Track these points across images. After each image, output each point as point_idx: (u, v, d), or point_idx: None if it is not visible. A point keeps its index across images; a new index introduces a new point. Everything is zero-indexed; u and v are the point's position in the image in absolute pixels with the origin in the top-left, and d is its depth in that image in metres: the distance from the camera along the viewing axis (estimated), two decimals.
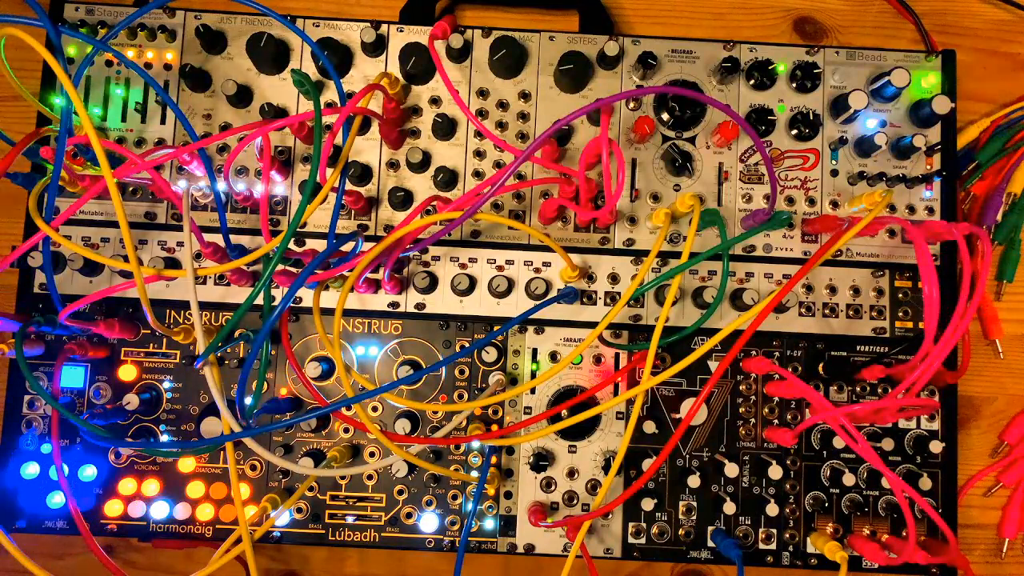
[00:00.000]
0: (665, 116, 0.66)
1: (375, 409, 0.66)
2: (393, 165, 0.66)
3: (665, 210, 0.63)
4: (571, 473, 0.65)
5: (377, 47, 0.66)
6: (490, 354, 0.65)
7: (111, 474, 0.64)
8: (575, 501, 0.65)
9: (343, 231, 0.65)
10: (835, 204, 0.66)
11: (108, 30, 0.59)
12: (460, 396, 0.66)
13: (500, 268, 0.65)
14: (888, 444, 0.65)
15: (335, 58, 0.64)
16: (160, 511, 0.64)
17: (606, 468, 0.65)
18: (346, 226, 0.66)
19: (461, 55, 0.66)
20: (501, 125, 0.66)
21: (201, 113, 0.65)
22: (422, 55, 0.63)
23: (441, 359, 0.63)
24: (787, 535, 0.65)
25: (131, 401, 0.63)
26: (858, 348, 0.67)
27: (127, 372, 0.65)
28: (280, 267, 0.62)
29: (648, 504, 0.65)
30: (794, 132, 0.66)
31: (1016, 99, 0.74)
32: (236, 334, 0.64)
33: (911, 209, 0.66)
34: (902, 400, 0.58)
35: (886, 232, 0.66)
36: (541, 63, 0.67)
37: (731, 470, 0.65)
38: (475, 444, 0.65)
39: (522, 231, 0.65)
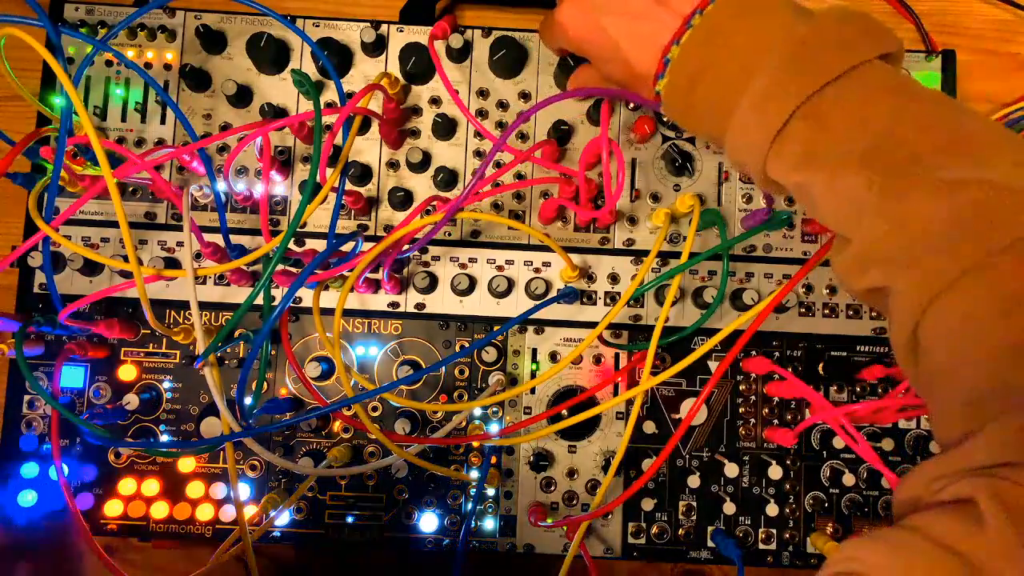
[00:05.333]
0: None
1: (375, 409, 0.66)
2: (393, 165, 0.66)
3: (665, 210, 0.63)
4: (571, 473, 0.65)
5: (377, 47, 0.66)
6: (490, 354, 0.65)
7: (111, 474, 0.64)
8: (575, 501, 0.65)
9: (343, 231, 0.65)
10: None
11: (108, 30, 0.59)
12: (460, 396, 0.66)
13: (500, 268, 0.65)
14: (888, 444, 0.66)
15: (335, 58, 0.64)
16: (160, 511, 0.64)
17: (606, 468, 0.65)
18: (346, 226, 0.66)
19: (461, 55, 0.66)
20: (501, 125, 0.66)
21: (201, 113, 0.65)
22: (422, 55, 0.63)
23: (441, 359, 0.63)
24: (787, 535, 0.65)
25: (131, 401, 0.63)
26: (858, 348, 0.67)
27: (127, 372, 0.65)
28: (280, 267, 0.62)
29: (648, 504, 0.65)
30: None
31: (1016, 99, 0.74)
32: (236, 334, 0.64)
33: None
34: (902, 400, 0.58)
35: None
36: (541, 63, 0.66)
37: (731, 470, 0.65)
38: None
39: (522, 231, 0.65)
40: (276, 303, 0.62)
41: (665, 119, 0.66)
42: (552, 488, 0.65)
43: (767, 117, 0.43)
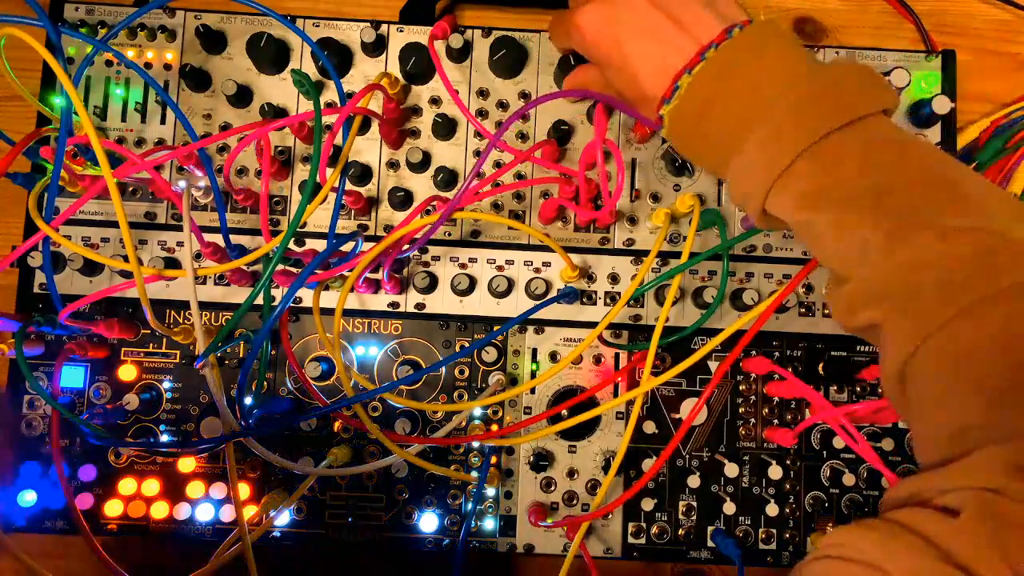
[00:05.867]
0: None
1: (375, 409, 0.66)
2: (393, 165, 0.66)
3: (665, 210, 0.63)
4: (571, 473, 0.65)
5: (377, 47, 0.65)
6: (490, 354, 0.65)
7: (111, 474, 0.64)
8: (575, 501, 0.65)
9: (343, 231, 0.65)
10: None
11: (108, 30, 0.59)
12: (460, 396, 0.66)
13: (500, 268, 0.65)
14: (888, 444, 0.66)
15: (335, 58, 0.64)
16: (160, 511, 0.64)
17: (606, 468, 0.65)
18: (346, 226, 0.66)
19: (461, 55, 0.66)
20: (501, 125, 0.66)
21: (201, 113, 0.65)
22: (422, 55, 0.63)
23: (441, 359, 0.63)
24: (787, 535, 0.65)
25: (131, 401, 0.63)
26: (858, 348, 0.67)
27: (127, 372, 0.65)
28: (280, 267, 0.62)
29: (648, 504, 0.65)
30: None
31: (1016, 99, 0.74)
32: (236, 334, 0.64)
33: None
34: None
35: None
36: (541, 63, 0.66)
37: (731, 470, 0.65)
38: (475, 444, 0.65)
39: (522, 231, 0.65)
40: (276, 303, 0.62)
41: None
42: (552, 488, 0.65)
43: (774, 155, 0.44)
